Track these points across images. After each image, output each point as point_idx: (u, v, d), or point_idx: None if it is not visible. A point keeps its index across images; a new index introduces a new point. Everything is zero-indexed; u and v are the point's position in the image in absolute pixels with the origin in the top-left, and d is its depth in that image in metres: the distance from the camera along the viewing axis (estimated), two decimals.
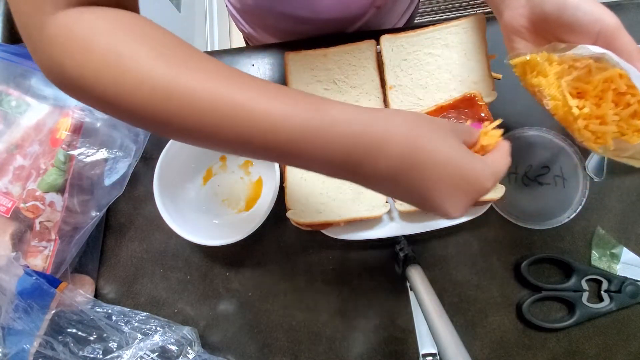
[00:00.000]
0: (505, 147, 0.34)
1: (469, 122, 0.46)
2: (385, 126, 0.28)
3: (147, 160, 0.56)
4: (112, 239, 0.56)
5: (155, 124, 0.28)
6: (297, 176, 0.49)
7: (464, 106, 0.48)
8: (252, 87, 0.27)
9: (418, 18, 1.61)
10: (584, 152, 0.51)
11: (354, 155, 0.28)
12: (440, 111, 0.48)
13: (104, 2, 0.29)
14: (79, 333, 0.48)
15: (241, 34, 0.78)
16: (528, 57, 0.39)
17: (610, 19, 0.35)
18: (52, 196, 0.49)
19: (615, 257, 0.50)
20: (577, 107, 0.36)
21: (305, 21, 0.59)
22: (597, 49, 0.35)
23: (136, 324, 0.50)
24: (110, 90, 0.27)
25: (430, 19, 1.64)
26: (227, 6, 0.72)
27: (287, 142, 0.27)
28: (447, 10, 1.65)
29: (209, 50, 1.08)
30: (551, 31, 0.38)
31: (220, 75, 0.27)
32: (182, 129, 0.28)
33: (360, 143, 0.28)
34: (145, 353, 0.47)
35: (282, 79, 0.57)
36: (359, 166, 0.28)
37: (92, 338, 0.48)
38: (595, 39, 0.35)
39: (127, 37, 0.27)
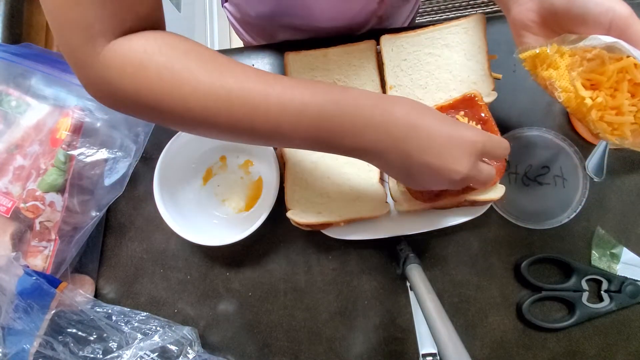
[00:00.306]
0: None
1: None
2: (389, 111, 0.34)
3: (147, 160, 0.56)
4: (112, 239, 0.56)
5: (204, 123, 0.34)
6: (297, 176, 0.49)
7: (463, 106, 0.48)
8: (279, 82, 0.34)
9: (418, 18, 1.61)
10: (584, 152, 0.51)
11: (365, 137, 0.34)
12: (440, 111, 0.48)
13: (143, 27, 0.34)
14: (79, 333, 0.48)
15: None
16: (537, 50, 0.38)
17: (621, 8, 0.34)
18: (52, 196, 0.49)
19: (615, 257, 0.50)
20: (590, 97, 0.36)
21: (305, 31, 0.59)
22: (608, 39, 0.34)
23: (136, 324, 0.50)
24: (166, 100, 0.32)
25: (430, 19, 1.64)
26: (227, 16, 0.72)
27: (308, 126, 0.33)
28: (447, 10, 1.65)
29: None
30: (561, 24, 0.37)
31: (254, 76, 0.33)
32: (227, 122, 0.33)
33: (369, 125, 0.33)
34: (145, 353, 0.47)
35: None
36: (368, 149, 0.34)
37: (92, 338, 0.48)
38: (607, 29, 0.35)
39: (175, 54, 0.33)
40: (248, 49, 0.61)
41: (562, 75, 0.37)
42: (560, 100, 0.38)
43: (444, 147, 0.34)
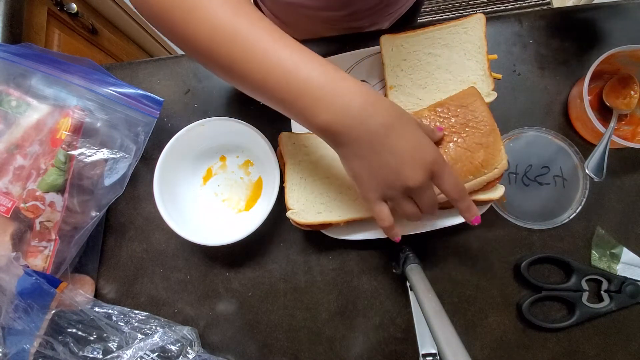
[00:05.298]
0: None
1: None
2: (373, 105, 0.35)
3: (147, 160, 0.56)
4: (112, 239, 0.56)
5: (204, 52, 0.36)
6: (297, 176, 0.49)
7: None
8: (284, 40, 0.35)
9: (418, 18, 1.61)
10: (584, 152, 0.51)
11: (347, 120, 0.35)
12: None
13: None
14: (79, 333, 0.48)
15: None
16: None
17: None
18: (52, 196, 0.49)
19: (615, 257, 0.50)
20: None
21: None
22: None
23: (136, 324, 0.50)
24: (180, 22, 0.35)
25: (430, 19, 1.64)
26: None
27: (291, 89, 0.34)
28: (447, 10, 1.65)
29: None
30: None
31: (265, 27, 0.35)
32: (225, 60, 0.35)
33: (348, 113, 0.35)
34: (145, 353, 0.47)
35: None
36: (347, 131, 0.35)
37: (92, 338, 0.48)
38: None
39: None
40: None
41: None
42: None
43: (409, 153, 0.36)
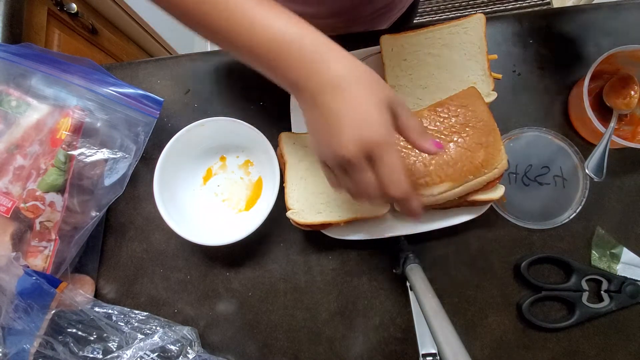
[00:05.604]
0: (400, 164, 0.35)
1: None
2: (335, 64, 0.34)
3: (147, 160, 0.56)
4: (112, 239, 0.56)
5: (193, 16, 0.36)
6: (297, 176, 0.49)
7: None
8: (270, 4, 0.35)
9: (418, 18, 1.61)
10: (584, 152, 0.51)
11: (304, 67, 0.34)
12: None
13: None
14: (79, 333, 0.48)
15: None
16: None
17: None
18: (52, 196, 0.49)
19: (615, 257, 0.50)
20: None
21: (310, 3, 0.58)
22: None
23: (136, 324, 0.50)
24: None
25: (430, 19, 1.64)
26: None
27: (267, 42, 0.35)
28: (447, 10, 1.65)
29: (209, 50, 1.08)
30: None
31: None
32: (215, 24, 0.36)
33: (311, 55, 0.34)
34: (145, 353, 0.47)
35: None
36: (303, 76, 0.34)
37: (92, 338, 0.48)
38: None
39: None
40: None
41: None
42: None
43: (349, 121, 0.33)
